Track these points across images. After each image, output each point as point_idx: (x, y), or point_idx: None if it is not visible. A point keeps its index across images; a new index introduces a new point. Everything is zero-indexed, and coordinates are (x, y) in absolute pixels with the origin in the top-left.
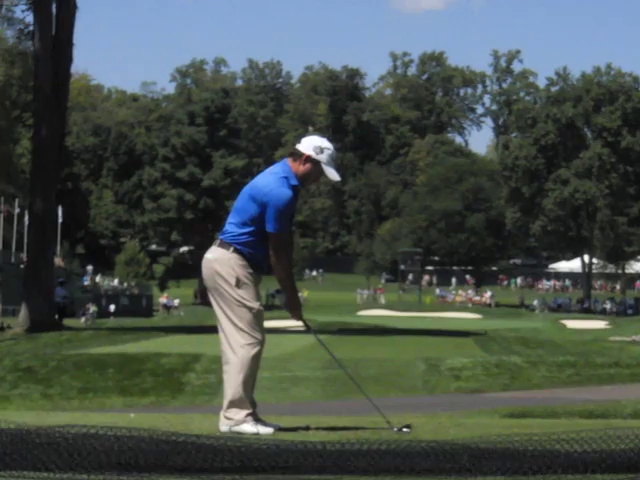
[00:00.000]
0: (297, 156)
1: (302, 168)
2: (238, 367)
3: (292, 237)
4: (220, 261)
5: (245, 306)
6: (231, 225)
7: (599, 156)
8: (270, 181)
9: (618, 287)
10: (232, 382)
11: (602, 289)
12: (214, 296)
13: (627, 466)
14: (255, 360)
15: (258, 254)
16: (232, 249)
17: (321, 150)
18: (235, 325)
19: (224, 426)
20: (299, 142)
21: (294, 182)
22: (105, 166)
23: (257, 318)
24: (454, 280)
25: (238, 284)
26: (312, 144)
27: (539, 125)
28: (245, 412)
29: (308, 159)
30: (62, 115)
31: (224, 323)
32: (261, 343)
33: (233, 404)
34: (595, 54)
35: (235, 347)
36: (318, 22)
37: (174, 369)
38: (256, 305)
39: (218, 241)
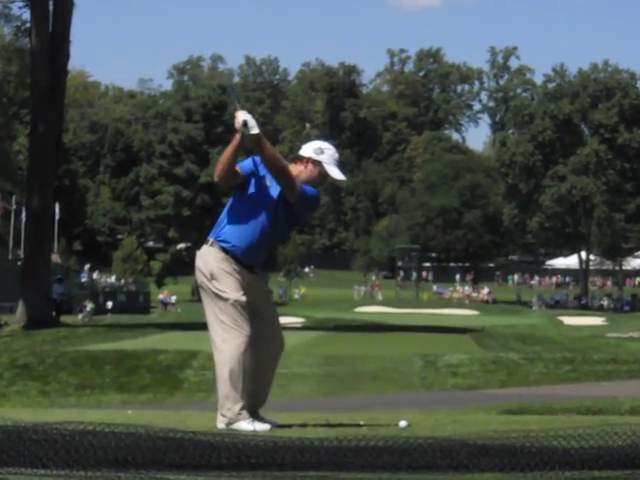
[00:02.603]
0: (299, 160)
1: (305, 171)
2: (222, 362)
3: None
4: (200, 256)
5: (222, 298)
6: (220, 221)
7: (596, 152)
8: None
9: (609, 283)
10: (219, 378)
11: (604, 286)
12: (201, 293)
13: (624, 462)
14: (240, 353)
15: (239, 244)
16: (210, 242)
17: (321, 151)
18: (217, 319)
19: (220, 423)
20: (300, 149)
21: None
22: (102, 163)
23: (238, 310)
24: (458, 277)
25: (213, 276)
26: (312, 147)
27: (536, 122)
28: (238, 407)
29: (309, 161)
30: (59, 112)
31: (208, 318)
32: (246, 336)
33: (225, 401)
34: (592, 51)
35: (218, 342)
36: (315, 19)
37: (171, 366)
38: (232, 296)
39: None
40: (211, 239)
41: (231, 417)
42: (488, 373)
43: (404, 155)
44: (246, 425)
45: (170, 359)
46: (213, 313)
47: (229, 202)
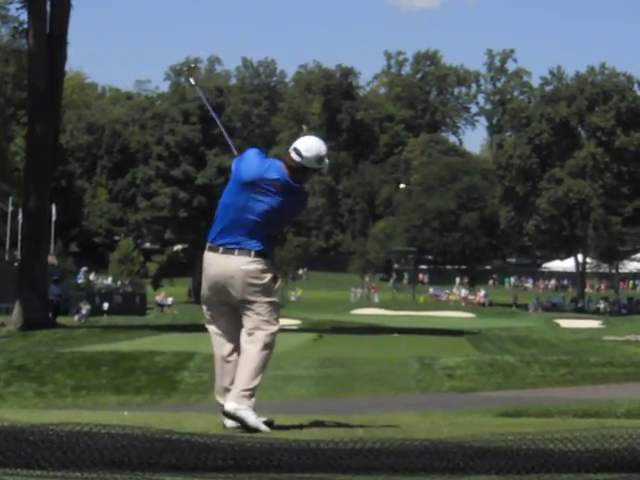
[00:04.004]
0: (285, 156)
1: (288, 172)
2: (267, 358)
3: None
4: (262, 272)
5: (278, 308)
6: (261, 234)
7: (593, 155)
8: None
9: (602, 286)
10: (258, 365)
11: (603, 289)
12: (248, 304)
13: (621, 465)
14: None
15: (272, 250)
16: (266, 259)
17: (298, 153)
18: (273, 327)
19: (233, 403)
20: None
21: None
22: (99, 164)
23: None
24: (458, 280)
25: (277, 290)
26: (295, 147)
27: (533, 124)
28: (254, 401)
29: (292, 162)
30: (56, 113)
31: (254, 324)
32: None
33: (253, 389)
34: (589, 53)
35: (269, 338)
36: (312, 20)
37: (168, 367)
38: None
39: (252, 252)
40: (266, 256)
41: (248, 406)
42: (484, 376)
43: (401, 157)
44: (253, 419)
45: (166, 361)
46: (258, 318)
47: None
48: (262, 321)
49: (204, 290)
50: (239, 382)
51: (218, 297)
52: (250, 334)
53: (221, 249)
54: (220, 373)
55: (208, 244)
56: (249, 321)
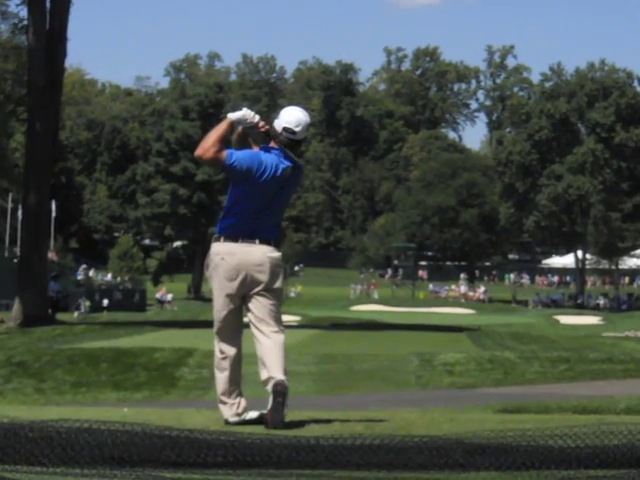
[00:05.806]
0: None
1: (287, 152)
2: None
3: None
4: (277, 259)
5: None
6: (275, 222)
7: (593, 152)
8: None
9: (606, 281)
10: (285, 357)
11: (605, 284)
12: (271, 293)
13: (620, 462)
14: None
15: None
16: (280, 248)
17: (290, 132)
18: (279, 312)
19: (285, 377)
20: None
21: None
22: (99, 160)
23: None
24: (462, 275)
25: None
26: (282, 127)
27: (533, 120)
28: None
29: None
30: (56, 109)
31: (275, 313)
32: None
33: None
34: (589, 50)
35: (281, 329)
36: (312, 17)
37: (167, 364)
38: None
39: (272, 241)
40: (277, 241)
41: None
42: (484, 372)
43: (401, 154)
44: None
45: (166, 357)
46: (277, 307)
47: (283, 201)
48: (279, 313)
49: (223, 284)
50: (281, 364)
51: (240, 288)
52: (274, 324)
53: (240, 239)
54: (229, 375)
55: (222, 235)
56: (270, 310)
